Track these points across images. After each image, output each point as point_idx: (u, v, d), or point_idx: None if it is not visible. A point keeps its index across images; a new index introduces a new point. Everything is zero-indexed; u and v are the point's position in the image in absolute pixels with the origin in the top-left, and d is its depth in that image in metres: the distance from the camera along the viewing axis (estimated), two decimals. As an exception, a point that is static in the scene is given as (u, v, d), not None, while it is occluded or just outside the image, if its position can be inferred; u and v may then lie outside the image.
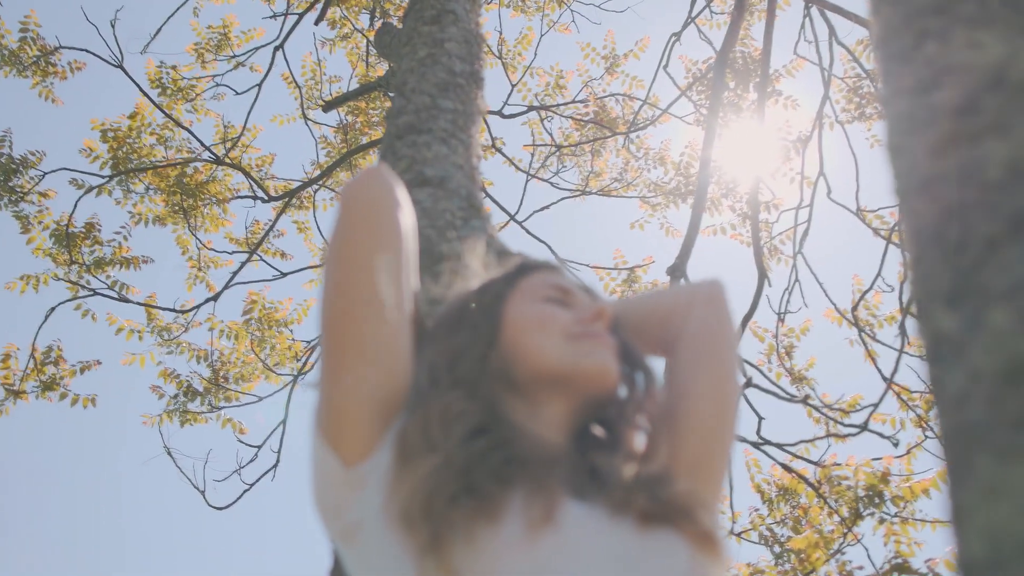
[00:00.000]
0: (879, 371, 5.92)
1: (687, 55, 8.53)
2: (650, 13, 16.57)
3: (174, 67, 7.89)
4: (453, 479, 0.98)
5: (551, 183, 8.27)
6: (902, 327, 6.06)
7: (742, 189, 7.95)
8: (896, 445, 5.54)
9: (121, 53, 6.95)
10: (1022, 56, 0.77)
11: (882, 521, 5.88)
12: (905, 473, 5.87)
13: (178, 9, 7.66)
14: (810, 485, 5.87)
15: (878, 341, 6.45)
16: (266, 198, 7.63)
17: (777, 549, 6.53)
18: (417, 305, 1.26)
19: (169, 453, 6.88)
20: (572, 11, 8.54)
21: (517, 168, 8.14)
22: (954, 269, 0.70)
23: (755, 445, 5.18)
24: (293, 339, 7.86)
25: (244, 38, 8.28)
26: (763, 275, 6.20)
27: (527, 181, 8.08)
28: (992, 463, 0.58)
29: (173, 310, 7.33)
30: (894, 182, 0.87)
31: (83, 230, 7.22)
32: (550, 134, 8.40)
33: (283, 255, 8.00)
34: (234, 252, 7.83)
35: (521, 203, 10.05)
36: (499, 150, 8.12)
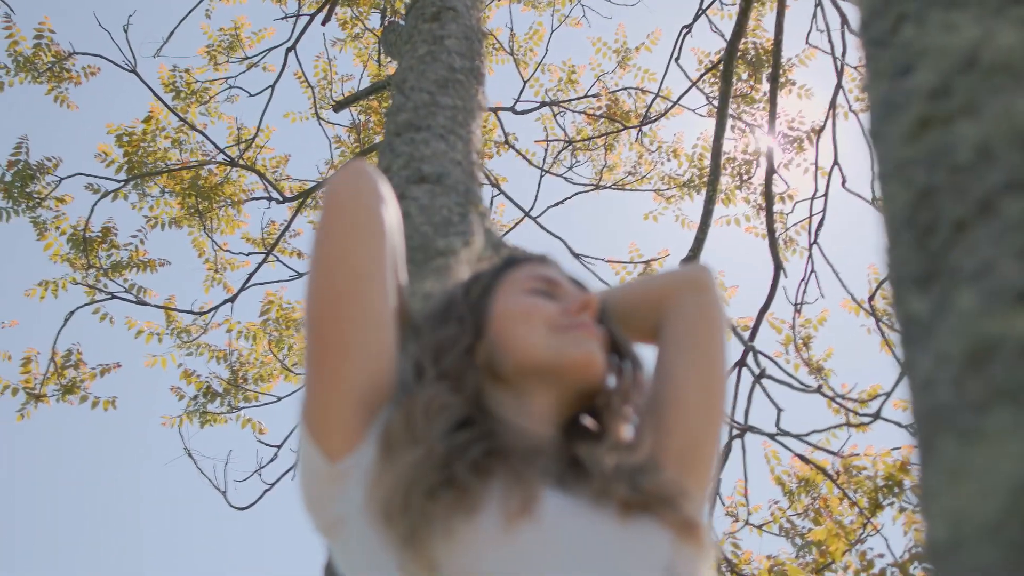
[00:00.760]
0: (897, 360, 5.88)
1: (699, 47, 8.51)
2: (660, 6, 16.53)
3: (187, 70, 7.94)
4: (433, 472, 0.98)
5: (565, 178, 8.27)
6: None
7: (756, 180, 7.92)
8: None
9: (134, 57, 6.99)
10: (995, 37, 0.77)
11: (902, 510, 5.85)
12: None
13: (191, 12, 7.70)
14: (828, 476, 5.85)
15: (896, 330, 6.40)
16: (281, 199, 7.66)
17: (798, 541, 6.50)
18: (404, 299, 1.27)
19: (190, 454, 6.91)
20: (583, 6, 8.52)
21: (530, 164, 8.14)
22: (924, 252, 0.70)
23: (771, 436, 5.17)
24: (311, 339, 7.85)
25: (256, 39, 8.31)
26: (779, 266, 6.19)
27: (541, 177, 8.08)
28: (955, 445, 0.58)
29: (191, 312, 7.38)
30: (877, 168, 0.86)
31: (100, 234, 7.27)
32: (563, 129, 8.39)
33: (300, 255, 8.03)
34: (250, 253, 7.86)
35: (536, 199, 10.05)
36: (512, 146, 8.12)
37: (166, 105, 7.35)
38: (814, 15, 7.07)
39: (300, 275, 7.57)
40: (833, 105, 6.83)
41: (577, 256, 7.09)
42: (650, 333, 1.34)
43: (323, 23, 7.18)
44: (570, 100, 8.47)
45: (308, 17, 7.63)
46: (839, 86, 6.86)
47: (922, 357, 0.66)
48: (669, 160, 8.46)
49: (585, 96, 8.46)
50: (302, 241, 8.11)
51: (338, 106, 7.13)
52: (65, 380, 7.00)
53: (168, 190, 7.55)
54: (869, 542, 5.89)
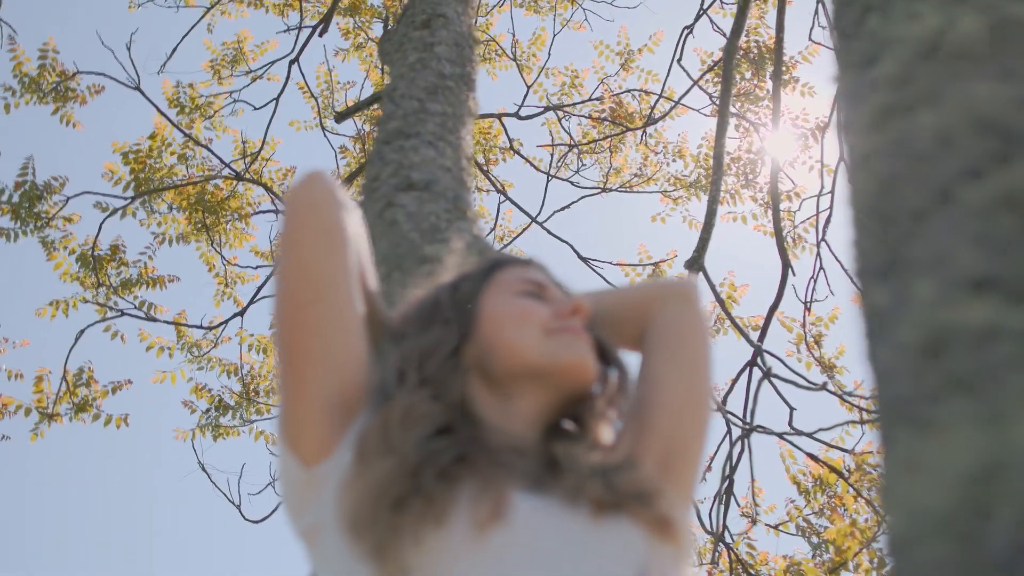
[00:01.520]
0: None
1: (701, 47, 8.50)
2: (662, 7, 16.53)
3: (191, 85, 7.96)
4: (401, 482, 0.98)
5: (571, 182, 8.26)
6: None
7: (762, 179, 7.89)
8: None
9: (138, 75, 7.02)
10: (957, 25, 0.76)
11: (918, 507, 5.80)
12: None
13: (193, 27, 7.74)
14: (839, 474, 5.82)
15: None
16: (288, 211, 7.65)
17: (815, 540, 6.47)
18: (375, 305, 1.26)
19: (203, 468, 6.93)
20: (584, 9, 8.52)
21: (536, 169, 8.14)
22: (885, 243, 0.69)
23: (779, 435, 5.14)
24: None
25: (259, 51, 8.34)
26: (787, 265, 6.16)
27: (548, 182, 8.07)
28: (911, 437, 0.57)
29: (201, 327, 7.39)
30: (846, 161, 0.86)
31: (108, 252, 7.29)
32: (569, 133, 8.39)
33: (308, 267, 8.01)
34: (259, 267, 7.88)
35: (543, 204, 10.04)
36: (517, 151, 8.12)
37: (170, 121, 7.38)
38: (816, 11, 7.05)
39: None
40: (837, 101, 6.79)
41: (585, 260, 7.10)
42: (633, 340, 1.34)
43: (320, 34, 7.19)
44: (574, 104, 8.47)
45: (310, 29, 7.65)
46: (842, 82, 6.81)
47: (883, 349, 0.65)
48: (675, 161, 8.46)
49: (589, 100, 8.46)
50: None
51: (339, 117, 7.14)
52: (77, 399, 7.02)
53: (175, 206, 7.56)
54: (883, 540, 5.85)
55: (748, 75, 7.86)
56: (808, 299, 6.54)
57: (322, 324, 1.12)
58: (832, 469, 5.91)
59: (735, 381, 5.81)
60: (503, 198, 7.81)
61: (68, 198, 7.13)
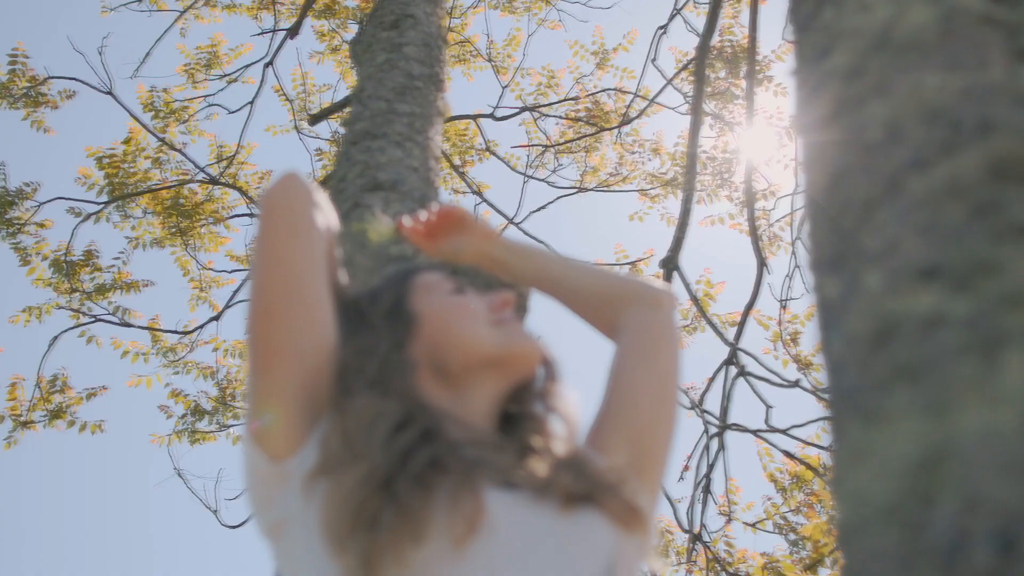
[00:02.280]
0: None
1: (677, 46, 8.52)
2: (636, 7, 16.58)
3: (165, 90, 7.91)
4: (376, 494, 0.98)
5: (548, 182, 8.26)
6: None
7: (738, 178, 7.92)
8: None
9: (111, 80, 6.97)
10: (907, 16, 0.76)
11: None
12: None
13: (166, 32, 7.69)
14: (815, 471, 5.84)
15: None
16: (263, 215, 7.61)
17: (792, 537, 6.50)
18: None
19: (180, 475, 6.89)
20: (558, 10, 8.53)
21: (513, 169, 8.14)
22: (837, 234, 0.69)
23: (754, 433, 5.16)
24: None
25: (233, 55, 8.30)
26: (762, 263, 6.18)
27: (524, 182, 8.07)
28: (859, 427, 0.57)
29: (175, 332, 7.34)
30: (801, 155, 0.86)
31: (82, 258, 7.24)
32: (545, 134, 8.39)
33: (284, 270, 7.97)
34: (234, 271, 7.84)
35: (520, 204, 10.05)
36: (493, 152, 8.11)
37: (144, 126, 7.33)
38: (787, 10, 7.06)
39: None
40: (811, 100, 6.81)
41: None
42: (605, 327, 1.40)
43: (291, 36, 7.17)
44: (550, 104, 8.47)
45: (285, 32, 7.62)
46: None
47: (835, 340, 0.65)
48: (651, 159, 8.47)
49: (565, 99, 8.46)
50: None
51: (313, 119, 7.12)
52: (52, 406, 6.97)
53: (150, 210, 7.52)
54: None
55: (723, 74, 7.89)
56: (784, 297, 6.57)
57: (293, 320, 1.13)
58: (808, 466, 5.94)
59: (712, 380, 5.83)
60: (479, 199, 7.81)
61: (40, 203, 7.08)
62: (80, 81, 7.11)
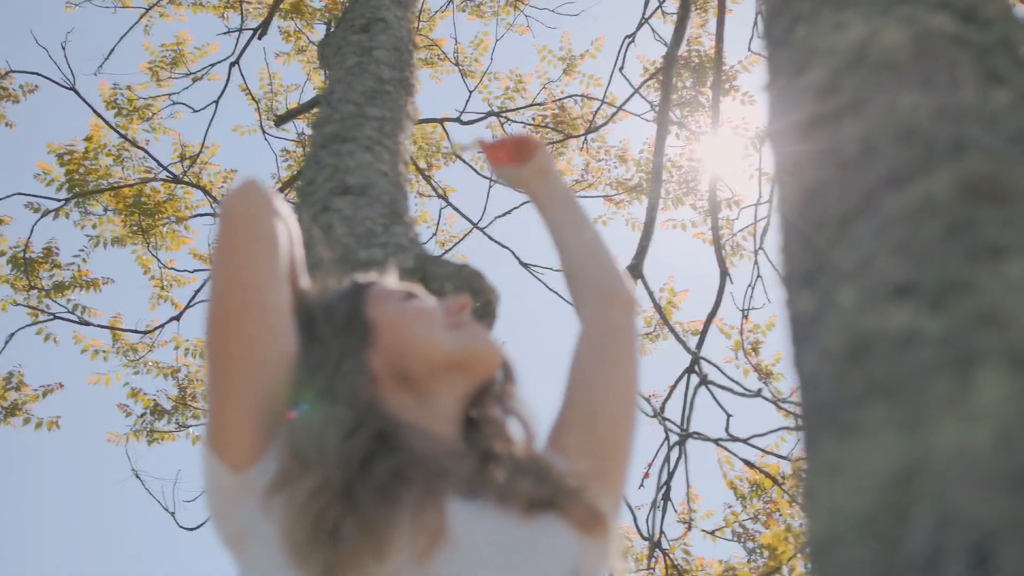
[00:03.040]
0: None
1: (644, 55, 8.56)
2: (604, 14, 16.65)
3: (129, 87, 7.83)
4: (336, 502, 0.97)
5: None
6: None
7: (703, 187, 7.97)
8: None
9: (73, 75, 6.90)
10: (882, 34, 0.77)
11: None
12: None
13: (131, 29, 7.62)
14: (774, 480, 5.89)
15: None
16: (227, 215, 7.55)
17: (751, 545, 6.54)
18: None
19: (137, 475, 6.82)
20: (526, 16, 8.55)
21: (478, 174, 8.13)
22: (811, 250, 0.70)
23: (715, 442, 5.20)
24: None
25: (199, 53, 8.23)
26: (724, 273, 6.22)
27: (490, 187, 8.06)
28: (834, 441, 0.58)
29: (135, 331, 7.27)
30: (773, 169, 0.87)
31: (42, 255, 7.15)
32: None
33: (247, 270, 7.90)
34: (196, 270, 7.77)
35: (484, 209, 10.04)
36: (460, 156, 8.10)
37: (107, 123, 7.25)
38: (755, 22, 7.14)
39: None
40: (776, 111, 6.86)
41: (526, 265, 7.10)
42: (574, 299, 1.45)
43: (259, 37, 7.12)
44: (517, 108, 8.48)
45: (251, 31, 7.57)
46: (781, 92, 6.90)
47: (808, 355, 0.66)
48: (617, 166, 8.50)
49: (532, 104, 8.48)
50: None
51: (279, 120, 7.08)
52: (7, 402, 6.88)
53: (111, 208, 7.43)
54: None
55: (689, 83, 7.94)
56: (746, 307, 6.61)
57: (252, 329, 1.12)
58: (767, 475, 5.98)
59: (673, 388, 5.86)
60: (445, 203, 7.80)
61: (-1, 199, 6.98)
62: (43, 76, 7.03)
